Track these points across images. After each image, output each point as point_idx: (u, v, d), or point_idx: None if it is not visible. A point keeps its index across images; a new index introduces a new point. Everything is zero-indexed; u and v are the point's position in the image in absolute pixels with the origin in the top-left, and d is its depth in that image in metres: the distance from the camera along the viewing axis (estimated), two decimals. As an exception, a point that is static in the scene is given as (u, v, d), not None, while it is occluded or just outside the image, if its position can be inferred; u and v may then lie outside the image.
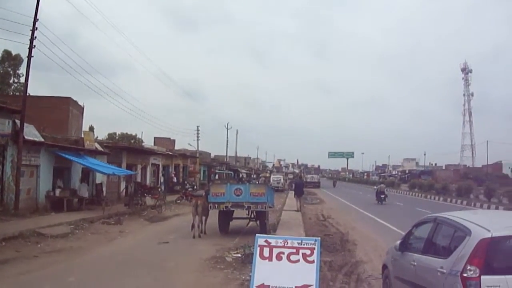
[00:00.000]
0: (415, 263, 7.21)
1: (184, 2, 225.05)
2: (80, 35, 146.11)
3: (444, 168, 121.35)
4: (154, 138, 63.37)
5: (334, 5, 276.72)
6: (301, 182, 37.02)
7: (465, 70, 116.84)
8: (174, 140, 66.75)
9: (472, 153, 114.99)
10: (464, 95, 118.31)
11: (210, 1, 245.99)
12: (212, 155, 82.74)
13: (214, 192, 18.39)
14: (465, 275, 5.71)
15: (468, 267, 5.72)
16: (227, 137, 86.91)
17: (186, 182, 47.84)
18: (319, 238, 6.95)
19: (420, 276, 6.99)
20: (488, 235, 5.82)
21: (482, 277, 5.62)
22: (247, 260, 12.10)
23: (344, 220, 25.18)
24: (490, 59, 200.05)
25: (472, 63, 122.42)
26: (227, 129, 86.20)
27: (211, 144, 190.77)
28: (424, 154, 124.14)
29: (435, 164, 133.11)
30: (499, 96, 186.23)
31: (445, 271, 6.12)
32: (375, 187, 48.65)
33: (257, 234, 7.06)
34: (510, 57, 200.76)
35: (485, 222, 6.25)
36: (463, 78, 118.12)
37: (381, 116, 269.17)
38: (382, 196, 39.47)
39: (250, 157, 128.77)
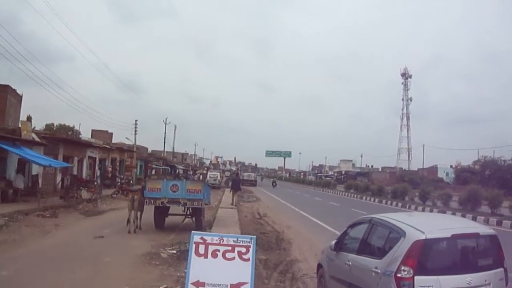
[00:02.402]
0: (350, 263, 7.28)
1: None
2: (21, 21, 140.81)
3: (380, 170, 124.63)
4: (92, 130, 61.99)
5: (278, 3, 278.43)
6: (238, 178, 37.79)
7: (405, 75, 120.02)
8: (111, 133, 65.52)
9: (409, 156, 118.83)
10: (402, 99, 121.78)
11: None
12: (150, 150, 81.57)
13: (151, 187, 18.13)
14: (399, 275, 5.83)
15: (402, 268, 5.83)
16: (165, 132, 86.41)
17: (117, 176, 47.00)
18: (255, 236, 6.91)
19: (355, 276, 7.06)
20: (422, 237, 5.95)
21: (415, 277, 5.75)
22: (182, 257, 11.98)
23: (280, 218, 25.36)
24: (429, 66, 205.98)
25: (412, 69, 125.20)
26: (165, 124, 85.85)
27: (149, 139, 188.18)
28: (361, 156, 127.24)
29: (372, 166, 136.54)
30: (436, 102, 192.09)
31: (379, 271, 6.20)
32: (271, 179, 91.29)
33: (192, 231, 6.94)
34: (449, 65, 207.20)
35: (419, 224, 6.38)
36: (402, 83, 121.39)
37: (320, 116, 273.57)
38: (274, 184, 79.91)
39: (187, 153, 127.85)
